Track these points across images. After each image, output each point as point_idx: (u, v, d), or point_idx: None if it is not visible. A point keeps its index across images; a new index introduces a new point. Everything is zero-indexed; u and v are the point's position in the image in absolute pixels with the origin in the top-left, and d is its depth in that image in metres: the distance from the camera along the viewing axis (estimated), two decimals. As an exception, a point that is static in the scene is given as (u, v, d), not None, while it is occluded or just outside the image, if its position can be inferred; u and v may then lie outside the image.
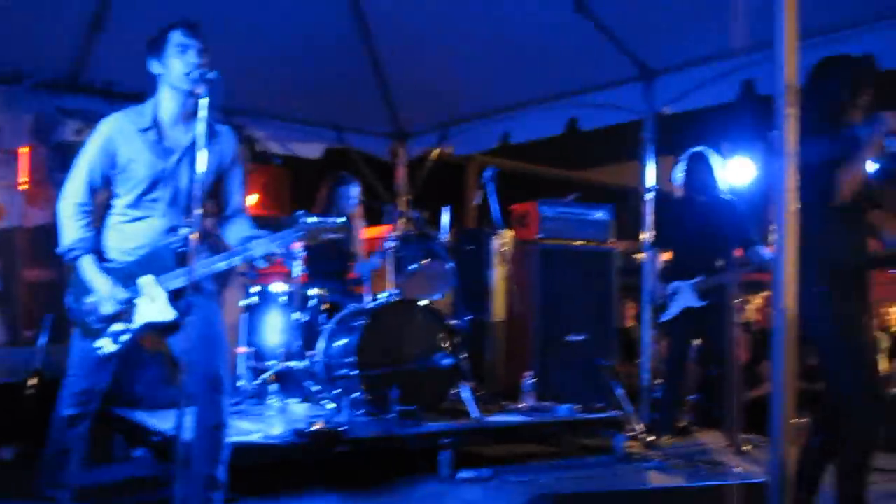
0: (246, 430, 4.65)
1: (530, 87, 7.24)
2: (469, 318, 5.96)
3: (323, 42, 6.93)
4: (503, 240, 6.48)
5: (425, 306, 5.58)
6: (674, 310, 5.82)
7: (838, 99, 3.67)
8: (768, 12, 2.69)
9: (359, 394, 5.16)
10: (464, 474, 4.78)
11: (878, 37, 5.30)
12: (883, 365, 6.09)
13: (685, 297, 5.76)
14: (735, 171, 7.28)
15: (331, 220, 3.55)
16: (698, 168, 5.86)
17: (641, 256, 6.45)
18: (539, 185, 12.16)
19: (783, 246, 2.51)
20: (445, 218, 6.12)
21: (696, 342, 6.32)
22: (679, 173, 6.04)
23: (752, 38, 4.16)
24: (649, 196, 6.77)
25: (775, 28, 2.53)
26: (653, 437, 5.86)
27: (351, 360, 5.18)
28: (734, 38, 5.62)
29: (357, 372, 5.14)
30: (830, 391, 3.77)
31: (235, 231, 3.64)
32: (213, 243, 3.64)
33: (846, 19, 5.41)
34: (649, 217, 6.70)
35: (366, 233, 6.59)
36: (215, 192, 3.64)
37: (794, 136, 2.51)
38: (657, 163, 6.84)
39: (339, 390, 5.28)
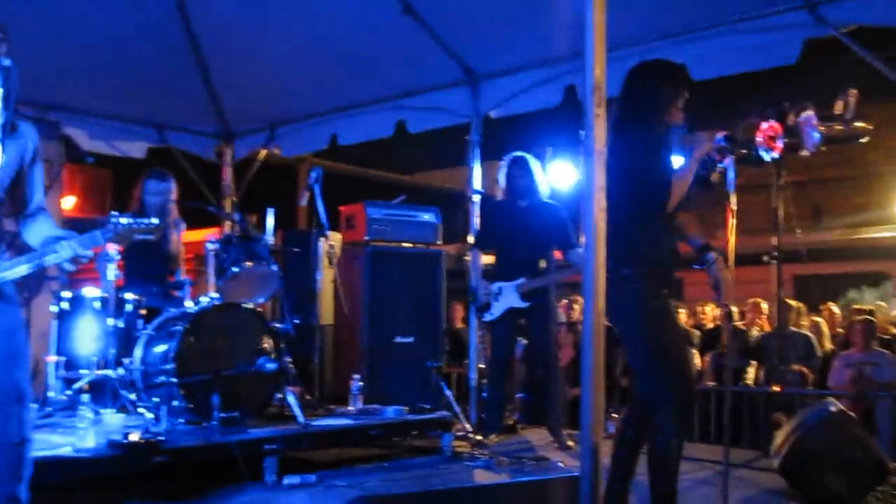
0: (55, 443, 4.38)
1: (358, 88, 7.23)
2: (295, 321, 5.86)
3: (148, 41, 6.72)
4: (330, 242, 6.40)
5: (248, 310, 5.46)
6: (497, 310, 5.90)
7: (660, 97, 3.77)
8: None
9: (178, 402, 4.98)
10: (289, 480, 4.68)
11: (690, 49, 5.55)
12: (695, 360, 6.36)
13: (508, 298, 5.84)
14: (558, 175, 7.46)
15: (143, 220, 3.39)
16: (519, 172, 5.94)
17: (469, 258, 6.52)
18: (370, 187, 12.17)
19: (592, 244, 2.55)
20: (271, 220, 5.98)
21: (524, 342, 6.43)
22: (501, 177, 6.13)
23: (574, 44, 4.25)
24: (476, 199, 6.86)
25: (585, 28, 2.58)
26: (480, 436, 5.92)
27: (169, 366, 5.00)
28: (557, 45, 5.80)
29: (176, 379, 4.97)
30: (642, 386, 3.91)
31: (37, 231, 3.41)
32: (15, 244, 3.41)
33: (660, 31, 5.64)
34: (475, 220, 6.80)
35: (186, 235, 6.36)
36: (14, 190, 3.41)
37: (602, 135, 2.57)
38: (485, 166, 6.94)
39: (157, 399, 5.08)
